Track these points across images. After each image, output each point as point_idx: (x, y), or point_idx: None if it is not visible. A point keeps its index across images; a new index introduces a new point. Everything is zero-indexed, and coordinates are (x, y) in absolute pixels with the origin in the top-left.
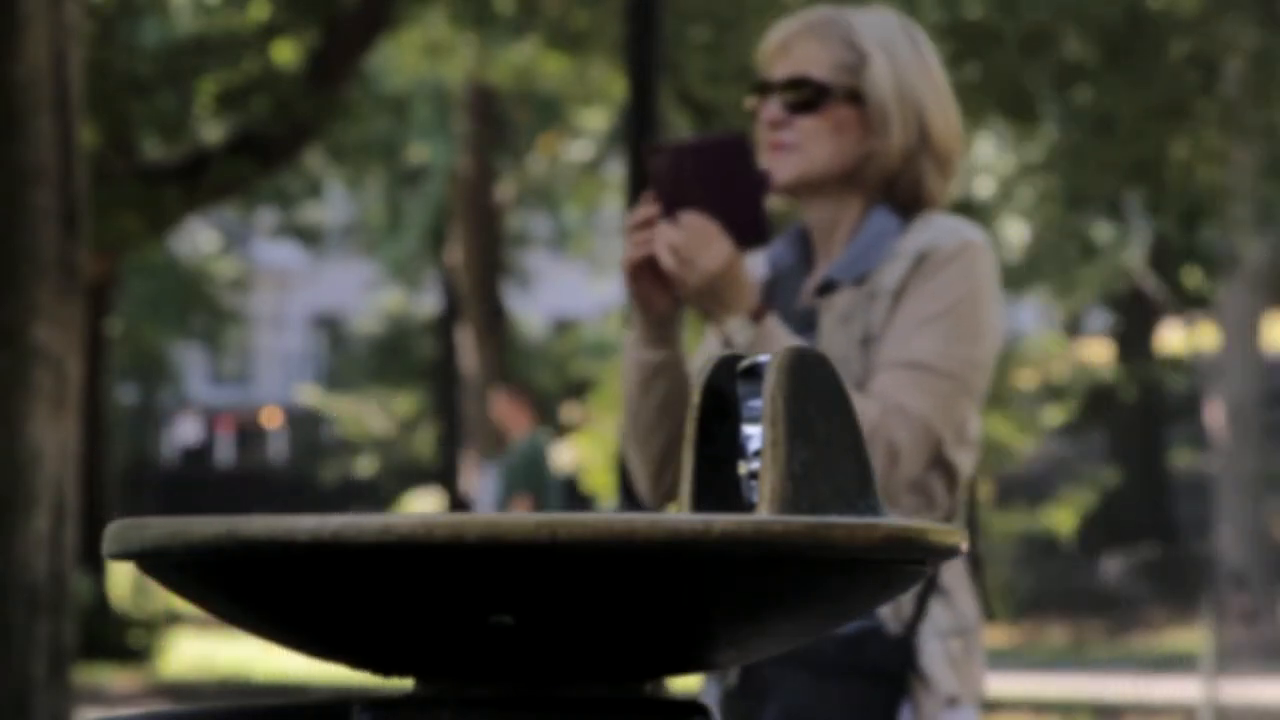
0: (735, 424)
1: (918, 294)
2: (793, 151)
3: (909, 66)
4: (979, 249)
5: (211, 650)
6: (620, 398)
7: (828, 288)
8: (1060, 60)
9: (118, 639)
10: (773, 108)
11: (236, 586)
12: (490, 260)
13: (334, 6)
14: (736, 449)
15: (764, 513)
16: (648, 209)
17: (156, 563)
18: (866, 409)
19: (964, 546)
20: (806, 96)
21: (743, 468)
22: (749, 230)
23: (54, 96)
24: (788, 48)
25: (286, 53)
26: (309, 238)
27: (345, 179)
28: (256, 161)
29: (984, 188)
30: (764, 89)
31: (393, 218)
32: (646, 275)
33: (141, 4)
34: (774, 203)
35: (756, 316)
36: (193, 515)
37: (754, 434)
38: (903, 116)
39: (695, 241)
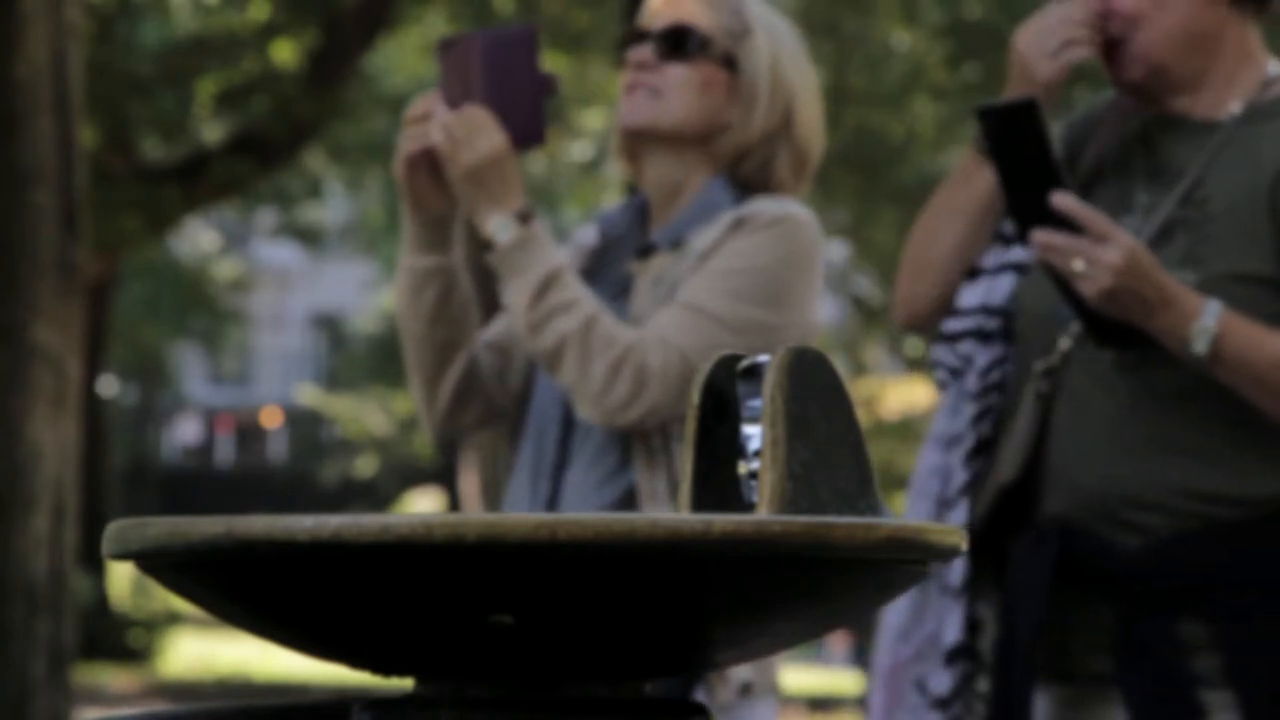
0: (735, 424)
1: (724, 251)
2: (652, 95)
3: (788, 51)
4: (800, 223)
5: (211, 650)
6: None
7: (646, 251)
8: None
9: (118, 639)
10: (644, 50)
11: (236, 586)
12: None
13: (334, 6)
14: (736, 449)
15: (764, 513)
16: (426, 102)
17: (156, 562)
18: (622, 334)
19: (964, 546)
20: (682, 44)
21: (743, 468)
22: (526, 128)
23: (54, 96)
24: (673, 4)
25: (286, 53)
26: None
27: (345, 179)
28: (256, 161)
29: None
30: (640, 37)
31: (392, 218)
32: (423, 173)
33: (141, 4)
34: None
35: (523, 218)
36: (193, 515)
37: (754, 434)
38: (772, 96)
39: (469, 125)
